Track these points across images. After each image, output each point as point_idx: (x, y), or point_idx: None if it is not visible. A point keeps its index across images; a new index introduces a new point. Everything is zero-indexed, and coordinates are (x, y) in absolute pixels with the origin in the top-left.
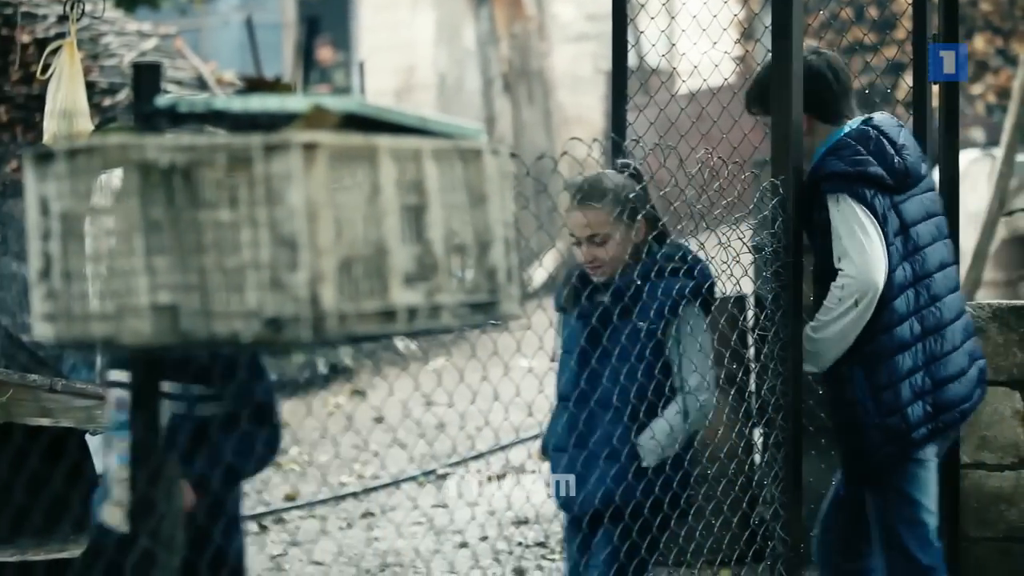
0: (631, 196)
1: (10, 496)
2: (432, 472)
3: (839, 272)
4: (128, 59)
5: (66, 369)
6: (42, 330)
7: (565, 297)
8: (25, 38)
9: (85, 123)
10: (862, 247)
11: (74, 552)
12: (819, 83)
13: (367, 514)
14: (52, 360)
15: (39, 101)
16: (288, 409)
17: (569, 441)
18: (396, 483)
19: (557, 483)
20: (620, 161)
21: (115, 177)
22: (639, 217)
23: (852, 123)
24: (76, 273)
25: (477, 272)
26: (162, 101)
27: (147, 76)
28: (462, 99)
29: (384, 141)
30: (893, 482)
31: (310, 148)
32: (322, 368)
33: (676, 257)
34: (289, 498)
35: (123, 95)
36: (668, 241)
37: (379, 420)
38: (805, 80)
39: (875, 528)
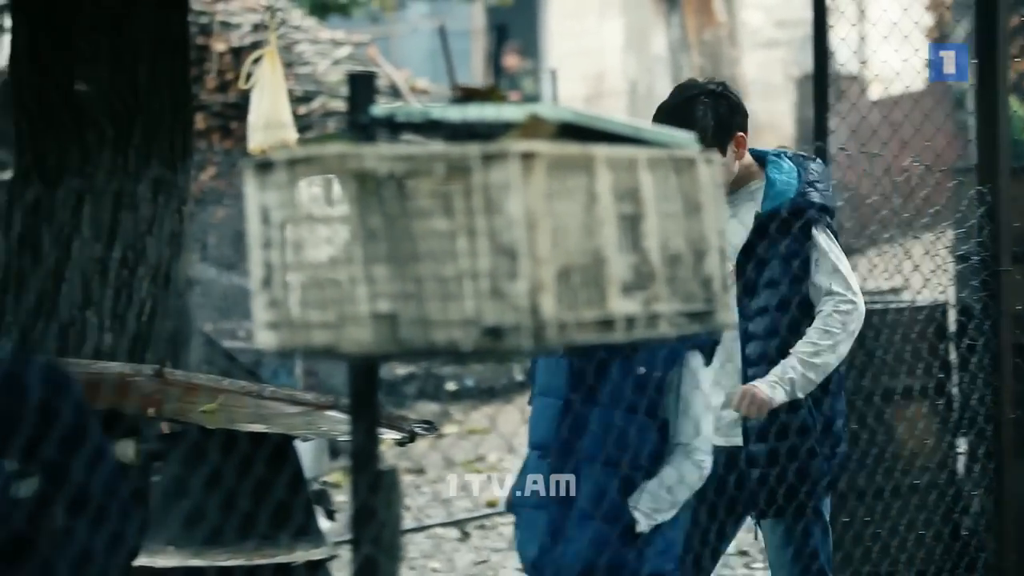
0: None
1: (235, 501)
2: None
3: (837, 298)
4: (322, 67)
5: (266, 375)
6: (265, 338)
7: None
8: (220, 47)
9: (289, 132)
10: (852, 276)
11: (298, 558)
12: (741, 109)
13: None
14: (252, 366)
15: (235, 109)
16: (487, 414)
17: (548, 498)
18: None
19: (524, 541)
20: None
21: (329, 187)
22: None
23: (777, 151)
24: (296, 282)
25: (693, 281)
26: (378, 111)
27: (361, 86)
28: (652, 106)
29: (600, 150)
30: (821, 514)
31: (528, 157)
32: (519, 376)
33: None
34: (490, 504)
35: (317, 103)
36: None
37: None
38: (733, 106)
39: (797, 564)
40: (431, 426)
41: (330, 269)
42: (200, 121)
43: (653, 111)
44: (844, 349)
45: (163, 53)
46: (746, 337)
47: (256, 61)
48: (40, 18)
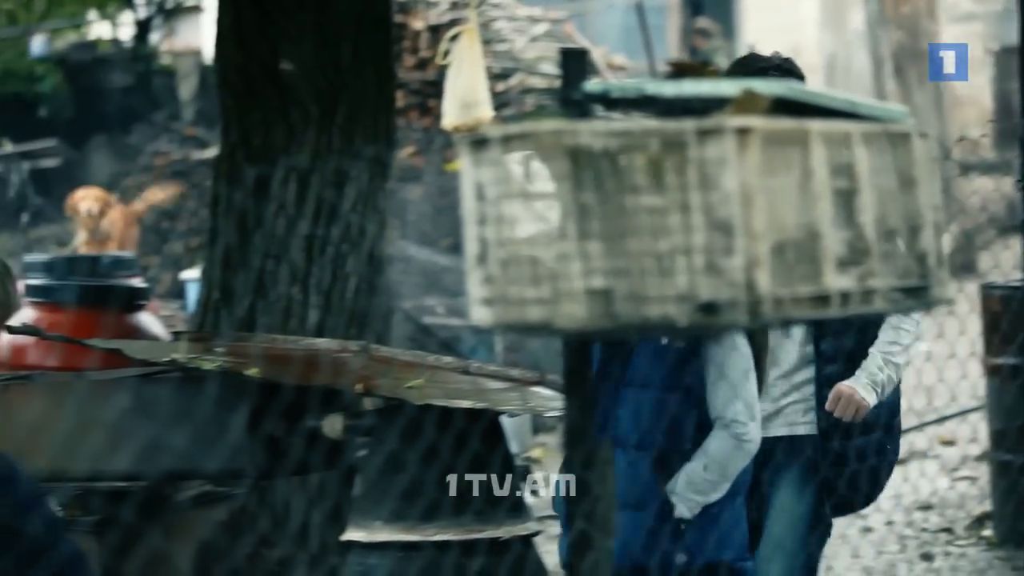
0: None
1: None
2: None
3: None
4: (519, 44)
5: (465, 351)
6: (480, 314)
7: None
8: (419, 24)
9: (485, 110)
10: None
11: (507, 533)
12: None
13: None
14: (451, 342)
15: (433, 87)
16: None
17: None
18: None
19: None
20: None
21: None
22: None
23: None
24: (511, 258)
25: (908, 257)
26: (592, 86)
27: (574, 62)
28: (850, 81)
29: (815, 125)
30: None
31: (744, 133)
32: None
33: None
34: None
35: (514, 80)
36: None
37: None
38: None
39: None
40: None
41: (544, 245)
42: (399, 99)
43: (850, 86)
44: (914, 349)
45: (366, 31)
46: (819, 333)
47: (454, 38)
48: None
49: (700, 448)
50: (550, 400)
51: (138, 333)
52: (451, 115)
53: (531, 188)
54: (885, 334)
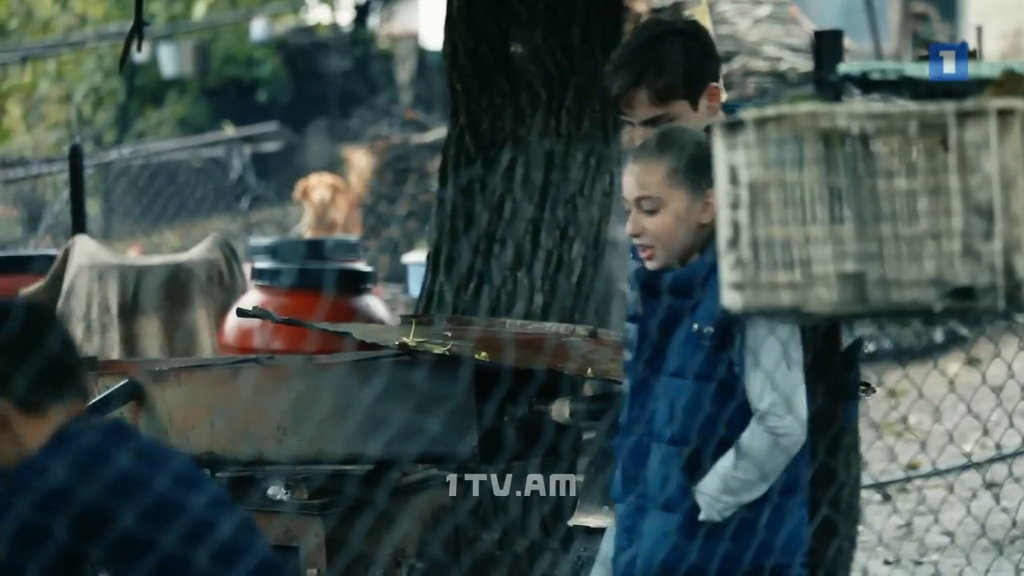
0: (698, 155)
1: None
2: None
3: None
4: (743, 26)
5: None
6: (730, 298)
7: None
8: (642, 7)
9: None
10: None
11: None
12: (716, 55)
13: (992, 484)
14: None
15: None
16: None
17: (623, 483)
18: (1017, 454)
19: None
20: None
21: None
22: (709, 190)
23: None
24: (763, 242)
25: None
26: (849, 68)
27: (828, 43)
28: None
29: None
30: None
31: (1005, 114)
32: (938, 337)
33: None
34: (911, 467)
35: (738, 63)
36: None
37: (997, 391)
38: (707, 51)
39: None
40: (868, 387)
41: (796, 229)
42: None
43: None
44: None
45: (596, 14)
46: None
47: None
48: None
49: (737, 441)
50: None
51: (364, 316)
52: None
53: (784, 172)
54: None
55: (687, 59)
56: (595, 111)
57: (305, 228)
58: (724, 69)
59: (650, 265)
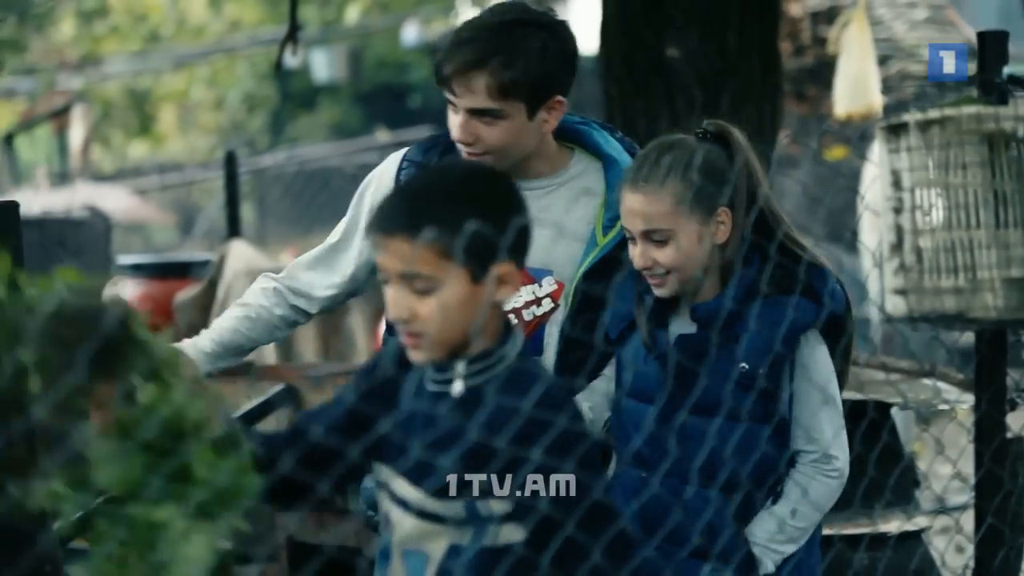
0: (704, 174)
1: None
2: None
3: None
4: (899, 30)
5: None
6: (893, 304)
7: (626, 325)
8: (797, 11)
9: (876, 97)
10: None
11: (895, 527)
12: (575, 63)
13: None
14: None
15: (809, 74)
16: None
17: (650, 525)
18: None
19: None
20: (706, 122)
21: (958, 150)
22: (720, 208)
23: (583, 119)
24: (927, 247)
25: None
26: (1014, 70)
27: (992, 45)
28: None
29: None
30: None
31: None
32: None
33: (789, 271)
34: None
35: (895, 67)
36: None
37: None
38: (568, 56)
39: None
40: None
41: (960, 233)
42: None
43: None
44: None
45: (751, 17)
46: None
47: (844, 25)
48: None
49: (785, 489)
50: (940, 391)
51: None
52: (842, 102)
53: (947, 175)
54: None
55: (542, 60)
56: (752, 115)
57: None
58: (881, 73)
59: (660, 293)
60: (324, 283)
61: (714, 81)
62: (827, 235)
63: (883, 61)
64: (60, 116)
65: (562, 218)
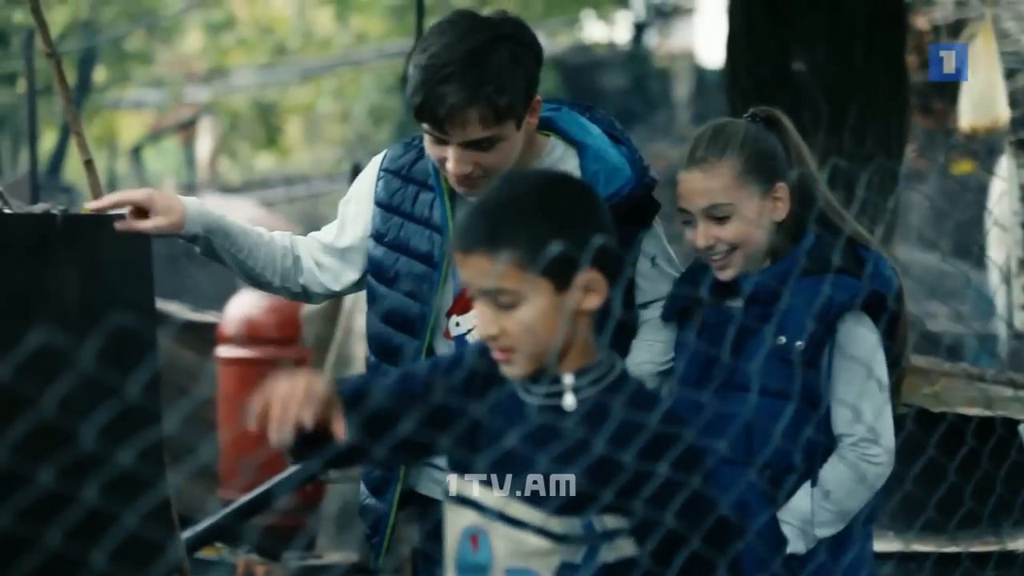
0: (761, 149)
1: (963, 486)
2: None
3: None
4: None
5: (968, 358)
6: (1022, 319)
7: (682, 306)
8: (923, 24)
9: (1003, 110)
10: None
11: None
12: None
13: None
14: (955, 348)
15: (936, 87)
16: None
17: None
18: None
19: None
20: (753, 108)
21: None
22: (780, 184)
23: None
24: None
25: None
26: None
27: None
28: None
29: None
30: None
31: None
32: None
33: (836, 251)
34: None
35: (1022, 80)
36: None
37: None
38: (537, 58)
39: None
40: None
41: None
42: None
43: None
44: None
45: (878, 30)
46: None
47: (970, 37)
48: None
49: (823, 471)
50: None
51: None
52: (967, 116)
53: None
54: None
55: (523, 72)
56: (879, 129)
57: None
58: (1008, 86)
59: (725, 275)
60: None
61: (840, 94)
62: (954, 250)
63: (1010, 74)
64: (187, 128)
65: None
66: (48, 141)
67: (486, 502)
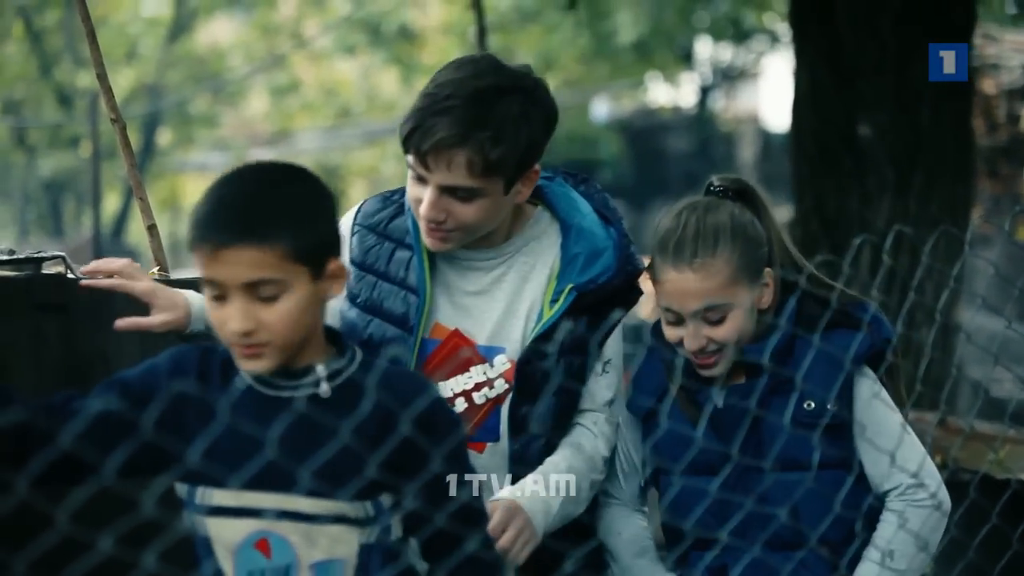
0: (749, 236)
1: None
2: None
3: None
4: None
5: None
6: None
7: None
8: (989, 88)
9: None
10: None
11: None
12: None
13: None
14: (1021, 414)
15: (1003, 152)
16: None
17: None
18: None
19: None
20: (716, 177)
21: None
22: (768, 270)
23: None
24: None
25: None
26: None
27: None
28: None
29: None
30: None
31: None
32: None
33: (826, 307)
34: None
35: None
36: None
37: None
38: (549, 119)
39: None
40: None
41: None
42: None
43: None
44: None
45: (945, 95)
46: None
47: None
48: (824, 62)
49: (878, 531)
50: None
51: None
52: None
53: None
54: None
55: (528, 131)
56: (945, 194)
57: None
58: None
59: (712, 372)
60: None
61: (906, 159)
62: (1019, 315)
63: None
64: None
65: (517, 291)
66: (112, 204)
67: (265, 505)
